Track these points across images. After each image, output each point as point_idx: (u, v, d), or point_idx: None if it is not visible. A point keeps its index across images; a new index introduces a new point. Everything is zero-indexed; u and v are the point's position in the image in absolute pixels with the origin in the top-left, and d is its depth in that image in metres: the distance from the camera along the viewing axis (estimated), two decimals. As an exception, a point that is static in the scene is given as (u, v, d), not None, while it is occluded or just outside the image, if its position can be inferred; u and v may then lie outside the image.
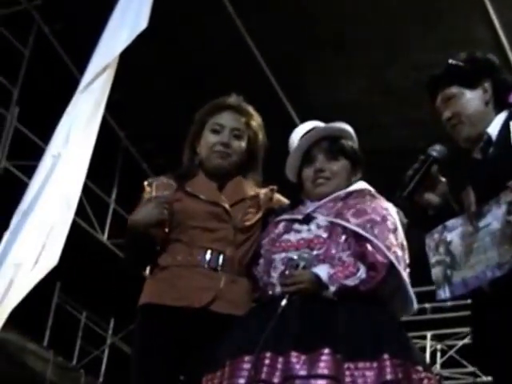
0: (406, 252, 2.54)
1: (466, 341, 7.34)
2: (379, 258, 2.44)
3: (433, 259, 2.32)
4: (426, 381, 2.28)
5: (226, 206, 2.66)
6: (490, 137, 2.39)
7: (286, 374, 2.21)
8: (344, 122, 7.01)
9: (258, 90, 6.10)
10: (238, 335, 2.39)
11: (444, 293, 2.28)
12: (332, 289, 2.39)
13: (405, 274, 2.49)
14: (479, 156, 2.43)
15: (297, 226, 2.56)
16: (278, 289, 2.46)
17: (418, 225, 2.45)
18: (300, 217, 2.57)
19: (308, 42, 6.04)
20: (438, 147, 2.37)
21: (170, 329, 2.53)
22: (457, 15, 5.79)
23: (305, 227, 2.53)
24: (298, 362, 2.22)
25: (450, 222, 2.29)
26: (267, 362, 2.24)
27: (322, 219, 2.52)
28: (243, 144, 2.76)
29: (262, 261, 2.58)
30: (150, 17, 3.30)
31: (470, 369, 7.19)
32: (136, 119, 7.11)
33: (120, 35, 3.42)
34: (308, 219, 2.55)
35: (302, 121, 6.56)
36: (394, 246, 2.48)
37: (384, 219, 2.52)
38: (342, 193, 2.59)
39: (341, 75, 6.22)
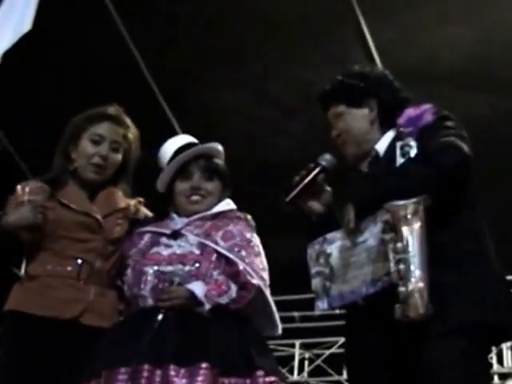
0: (267, 274, 2.62)
1: (334, 350, 7.47)
2: (250, 279, 2.50)
3: (313, 270, 2.37)
4: None
5: (99, 217, 2.66)
6: (377, 153, 2.44)
7: None
8: (224, 128, 7.00)
9: (138, 95, 6.06)
10: (114, 346, 2.38)
11: (322, 304, 2.33)
12: (207, 306, 2.44)
13: (269, 296, 2.57)
14: (366, 169, 2.48)
15: (165, 240, 2.59)
16: (151, 302, 2.48)
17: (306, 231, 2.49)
18: (168, 231, 2.60)
19: (192, 53, 6.04)
20: (327, 157, 2.40)
21: (39, 339, 2.50)
22: (336, 34, 5.94)
23: (173, 242, 2.57)
24: (176, 375, 2.26)
25: (330, 235, 2.35)
26: (145, 374, 2.26)
27: (192, 238, 2.56)
28: (119, 157, 2.77)
29: (130, 272, 2.58)
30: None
31: (336, 377, 7.29)
32: (15, 118, 6.85)
33: (2, 36, 3.40)
34: (176, 235, 2.59)
35: (184, 130, 6.55)
36: (260, 270, 2.57)
37: (250, 243, 2.61)
38: (209, 213, 2.65)
39: (225, 86, 6.24)
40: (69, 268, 2.59)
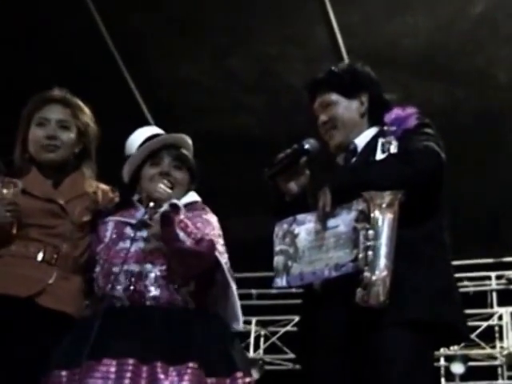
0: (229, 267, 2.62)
1: (289, 328, 7.58)
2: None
3: (277, 247, 2.39)
4: None
5: (61, 202, 2.65)
6: (355, 147, 2.49)
7: None
8: (183, 101, 6.91)
9: (100, 63, 6.00)
10: (96, 338, 2.31)
11: (281, 281, 2.36)
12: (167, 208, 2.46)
13: (234, 285, 2.58)
14: (341, 163, 2.54)
15: (129, 231, 2.56)
16: (127, 303, 2.45)
17: (273, 206, 2.53)
18: (133, 221, 2.58)
19: (155, 21, 6.01)
20: (312, 141, 2.45)
21: None
22: (299, 13, 5.92)
23: (138, 234, 2.53)
24: (164, 373, 2.25)
25: (301, 216, 2.37)
26: (131, 368, 2.25)
27: (158, 229, 2.50)
28: (72, 135, 2.76)
29: (99, 269, 2.56)
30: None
31: (291, 355, 7.37)
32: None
33: None
34: (141, 225, 2.55)
35: (145, 101, 6.50)
36: (227, 262, 2.58)
37: (219, 237, 2.60)
38: None
39: (186, 57, 6.23)
40: (31, 249, 2.58)
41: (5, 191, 2.57)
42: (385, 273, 2.10)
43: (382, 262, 2.11)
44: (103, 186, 2.82)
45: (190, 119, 6.25)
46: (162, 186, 2.54)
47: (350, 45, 5.97)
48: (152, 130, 2.82)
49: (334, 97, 2.55)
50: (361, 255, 2.14)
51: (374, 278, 2.10)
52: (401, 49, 6.02)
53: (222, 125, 6.51)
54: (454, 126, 6.09)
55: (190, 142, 2.75)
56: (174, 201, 2.49)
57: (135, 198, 2.68)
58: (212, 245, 2.49)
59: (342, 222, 2.24)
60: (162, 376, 2.24)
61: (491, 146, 6.35)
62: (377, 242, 2.12)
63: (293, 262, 2.33)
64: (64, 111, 2.76)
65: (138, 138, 2.75)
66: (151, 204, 2.48)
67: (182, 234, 2.42)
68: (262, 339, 7.81)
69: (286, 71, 6.21)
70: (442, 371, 7.23)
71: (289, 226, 2.38)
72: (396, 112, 2.45)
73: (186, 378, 2.25)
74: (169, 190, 2.52)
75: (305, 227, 2.35)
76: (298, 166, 2.44)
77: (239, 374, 2.36)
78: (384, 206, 2.14)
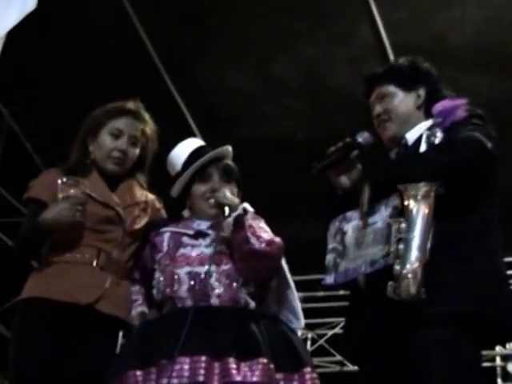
0: None
1: (336, 330, 7.51)
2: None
3: (330, 245, 2.42)
4: None
5: (119, 209, 2.69)
6: (406, 142, 2.47)
7: (225, 380, 2.25)
8: (229, 108, 6.92)
9: (144, 73, 6.06)
10: (166, 338, 2.35)
11: (329, 279, 2.39)
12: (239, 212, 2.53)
13: (293, 285, 2.60)
14: (394, 157, 2.52)
15: (188, 240, 2.59)
16: (190, 302, 2.47)
17: (326, 200, 2.54)
18: (190, 232, 2.61)
19: (197, 29, 6.00)
20: (365, 134, 2.43)
21: (54, 324, 2.50)
22: (342, 14, 5.89)
23: (197, 242, 2.57)
24: (236, 368, 2.27)
25: (349, 214, 2.39)
26: (204, 365, 2.26)
27: (217, 236, 2.54)
28: (137, 151, 2.81)
29: (158, 275, 2.57)
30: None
31: (338, 358, 7.33)
32: (18, 97, 6.84)
33: (7, 14, 3.38)
34: (198, 235, 2.59)
35: (189, 108, 6.51)
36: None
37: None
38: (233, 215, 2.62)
39: (229, 63, 6.22)
40: (87, 255, 2.61)
41: (72, 191, 2.57)
42: (416, 265, 2.07)
43: (414, 254, 2.08)
44: (150, 196, 2.85)
45: (233, 125, 6.26)
46: (227, 193, 2.58)
47: (395, 42, 5.90)
48: (193, 142, 2.81)
49: (391, 89, 2.55)
50: (392, 249, 2.12)
51: (404, 270, 2.07)
52: (448, 43, 5.92)
53: (266, 130, 6.47)
54: (505, 118, 5.93)
55: (231, 150, 2.76)
56: (246, 205, 2.54)
57: (186, 213, 2.70)
58: (281, 247, 2.54)
59: (380, 218, 2.26)
60: (234, 372, 2.25)
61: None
62: (409, 234, 2.10)
63: (341, 259, 2.36)
64: (137, 126, 2.81)
65: (180, 154, 2.75)
66: (227, 210, 2.51)
67: (252, 238, 2.48)
68: (309, 342, 7.73)
69: (330, 73, 6.16)
70: (499, 371, 7.00)
71: (339, 223, 2.41)
72: (443, 104, 2.41)
73: (257, 373, 2.26)
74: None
75: (351, 224, 2.38)
76: (349, 160, 2.41)
77: (307, 370, 2.37)
78: (419, 197, 2.12)
